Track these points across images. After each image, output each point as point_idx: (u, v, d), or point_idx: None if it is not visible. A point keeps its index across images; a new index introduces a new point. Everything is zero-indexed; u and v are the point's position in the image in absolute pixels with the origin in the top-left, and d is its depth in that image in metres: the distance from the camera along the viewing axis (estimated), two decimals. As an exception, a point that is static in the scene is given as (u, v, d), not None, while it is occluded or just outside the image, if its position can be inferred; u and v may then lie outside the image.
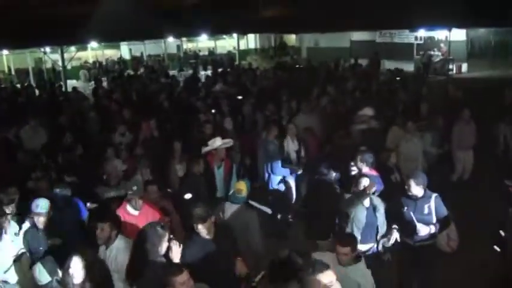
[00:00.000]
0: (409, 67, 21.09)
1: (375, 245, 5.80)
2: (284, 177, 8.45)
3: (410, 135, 8.61)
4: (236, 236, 5.28)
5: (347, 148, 8.17)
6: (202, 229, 4.91)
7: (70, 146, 8.90)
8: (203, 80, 19.03)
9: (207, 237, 4.93)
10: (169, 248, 4.61)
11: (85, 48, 29.49)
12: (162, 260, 4.58)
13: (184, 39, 31.62)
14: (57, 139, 9.59)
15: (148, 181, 6.79)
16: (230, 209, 5.81)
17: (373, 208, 5.76)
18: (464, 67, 23.78)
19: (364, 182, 5.81)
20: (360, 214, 5.67)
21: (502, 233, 5.96)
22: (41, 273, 4.94)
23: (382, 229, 5.77)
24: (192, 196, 6.76)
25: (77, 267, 4.36)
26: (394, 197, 6.05)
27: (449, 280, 6.35)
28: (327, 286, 3.46)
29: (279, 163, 8.27)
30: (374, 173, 6.72)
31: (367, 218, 5.69)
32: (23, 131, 10.03)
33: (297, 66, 22.93)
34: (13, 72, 28.15)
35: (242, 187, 5.89)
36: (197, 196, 6.72)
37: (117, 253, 4.90)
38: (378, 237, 5.77)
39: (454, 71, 23.14)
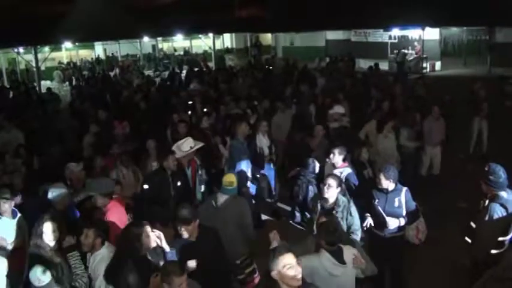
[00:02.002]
0: (383, 65, 21.35)
1: None
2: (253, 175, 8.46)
3: (387, 132, 8.77)
4: (224, 233, 5.26)
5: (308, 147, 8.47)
6: (185, 232, 4.87)
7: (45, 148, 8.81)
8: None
9: (190, 239, 4.91)
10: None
11: (59, 49, 29.12)
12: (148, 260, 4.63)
13: (159, 39, 31.48)
14: (32, 141, 9.49)
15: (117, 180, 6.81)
16: (222, 198, 5.80)
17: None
18: (438, 65, 24.14)
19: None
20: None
21: (472, 224, 6.10)
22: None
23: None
24: (150, 190, 6.80)
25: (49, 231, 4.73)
26: (367, 191, 6.15)
27: (420, 271, 6.54)
28: (287, 265, 3.57)
29: (244, 163, 8.28)
30: (346, 165, 6.92)
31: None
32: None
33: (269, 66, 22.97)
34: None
35: (232, 179, 5.89)
36: (158, 191, 6.78)
37: (100, 261, 4.71)
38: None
39: (428, 69, 23.51)
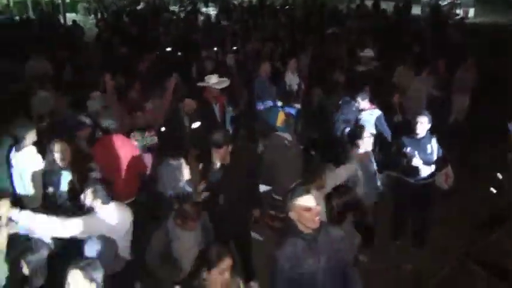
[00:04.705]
0: (416, 10, 20.65)
1: None
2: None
3: (420, 77, 8.56)
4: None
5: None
6: (217, 156, 5.02)
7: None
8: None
9: (221, 163, 5.06)
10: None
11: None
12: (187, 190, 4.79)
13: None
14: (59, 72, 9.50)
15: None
16: (285, 135, 5.98)
17: None
18: (471, 12, 23.33)
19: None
20: None
21: (499, 175, 6.05)
22: None
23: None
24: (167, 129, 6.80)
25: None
26: (396, 137, 6.08)
27: (446, 218, 6.52)
28: (305, 207, 3.54)
29: (268, 102, 8.19)
30: (374, 107, 6.84)
31: None
32: (28, 64, 9.92)
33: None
34: (12, 5, 27.53)
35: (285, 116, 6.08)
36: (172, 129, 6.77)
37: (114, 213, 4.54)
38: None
39: (461, 16, 22.72)
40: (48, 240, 4.15)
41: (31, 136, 5.54)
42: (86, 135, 6.04)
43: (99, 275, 3.27)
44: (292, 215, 3.61)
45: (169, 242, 4.27)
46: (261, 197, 5.72)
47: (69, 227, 4.18)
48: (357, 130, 5.71)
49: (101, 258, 3.71)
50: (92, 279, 3.21)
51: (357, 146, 5.52)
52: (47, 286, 3.73)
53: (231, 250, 4.19)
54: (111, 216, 4.37)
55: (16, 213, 4.04)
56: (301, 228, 3.59)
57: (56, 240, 4.27)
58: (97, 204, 4.35)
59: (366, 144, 5.52)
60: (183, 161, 4.91)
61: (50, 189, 5.19)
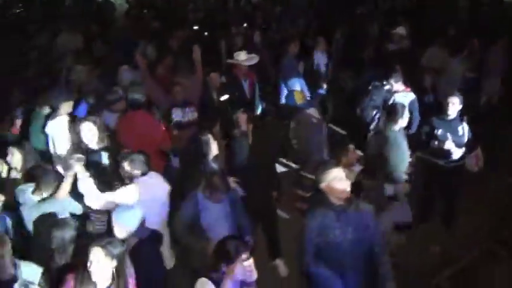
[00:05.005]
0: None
1: None
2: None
3: (456, 59, 8.38)
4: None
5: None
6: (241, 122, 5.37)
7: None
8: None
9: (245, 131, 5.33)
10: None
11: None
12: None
13: None
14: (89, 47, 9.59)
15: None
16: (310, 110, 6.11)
17: None
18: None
19: None
20: None
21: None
22: None
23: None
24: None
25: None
26: (427, 118, 6.01)
27: (475, 201, 6.46)
28: (336, 178, 3.67)
29: (295, 81, 8.14)
30: (409, 90, 6.74)
31: None
32: (60, 37, 10.03)
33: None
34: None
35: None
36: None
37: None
38: None
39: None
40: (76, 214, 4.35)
41: (66, 107, 5.77)
42: (121, 108, 6.09)
43: (120, 252, 3.35)
44: (323, 186, 3.75)
45: (198, 213, 4.42)
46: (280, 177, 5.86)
47: (113, 196, 4.46)
48: (398, 107, 5.67)
49: (126, 226, 3.85)
50: (112, 256, 3.29)
51: (395, 122, 5.51)
52: (70, 264, 3.83)
53: (251, 238, 4.43)
54: (151, 186, 4.51)
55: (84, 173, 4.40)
56: (331, 200, 3.74)
57: (81, 219, 4.40)
58: (136, 175, 4.49)
59: (404, 121, 5.56)
60: (210, 136, 5.06)
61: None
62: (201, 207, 4.43)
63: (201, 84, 7.04)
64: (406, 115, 5.63)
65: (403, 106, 5.74)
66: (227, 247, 3.28)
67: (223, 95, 6.94)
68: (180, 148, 5.77)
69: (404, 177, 5.51)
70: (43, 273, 3.68)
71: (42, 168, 4.58)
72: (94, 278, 3.27)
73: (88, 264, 3.25)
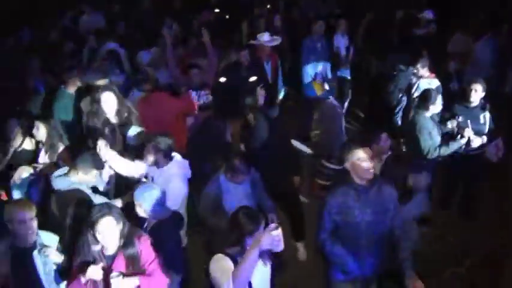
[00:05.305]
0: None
1: None
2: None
3: (480, 44, 8.19)
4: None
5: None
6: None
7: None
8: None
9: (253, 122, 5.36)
10: None
11: None
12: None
13: None
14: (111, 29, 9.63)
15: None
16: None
17: None
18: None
19: None
20: None
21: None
22: None
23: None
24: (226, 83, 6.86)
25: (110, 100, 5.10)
26: (450, 105, 5.94)
27: (494, 189, 6.40)
28: (361, 158, 3.74)
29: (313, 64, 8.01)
30: (434, 76, 6.66)
31: None
32: (82, 19, 10.11)
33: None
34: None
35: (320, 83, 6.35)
36: (231, 83, 6.84)
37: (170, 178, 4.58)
38: None
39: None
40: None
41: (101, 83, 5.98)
42: (149, 88, 6.15)
43: (121, 213, 3.47)
44: (348, 165, 3.83)
45: (221, 195, 4.54)
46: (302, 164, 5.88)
47: (139, 168, 4.66)
48: (431, 93, 5.63)
49: (146, 205, 3.90)
50: (122, 222, 3.41)
51: (426, 109, 5.49)
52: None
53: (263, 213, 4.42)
54: (174, 170, 4.57)
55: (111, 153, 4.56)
56: (355, 179, 3.80)
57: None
58: (160, 157, 4.55)
59: (437, 108, 5.56)
60: (227, 121, 5.27)
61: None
62: (223, 189, 4.55)
63: (216, 67, 7.03)
64: (439, 102, 5.59)
65: (436, 92, 5.68)
66: (238, 218, 3.31)
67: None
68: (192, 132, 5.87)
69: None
70: (60, 241, 3.84)
71: (84, 153, 4.46)
72: (107, 247, 3.39)
73: (99, 236, 3.33)
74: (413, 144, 5.54)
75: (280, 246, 3.10)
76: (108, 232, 3.33)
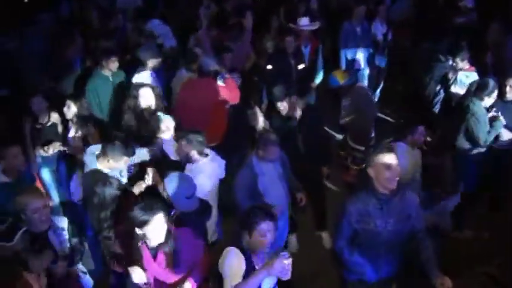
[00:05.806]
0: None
1: None
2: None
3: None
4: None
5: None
6: (280, 107, 5.28)
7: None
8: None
9: (285, 115, 5.32)
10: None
11: None
12: None
13: None
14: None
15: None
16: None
17: None
18: None
19: None
20: None
21: None
22: None
23: None
24: (275, 70, 6.84)
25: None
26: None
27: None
28: (386, 165, 3.49)
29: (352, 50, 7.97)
30: (473, 69, 6.53)
31: None
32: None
33: None
34: None
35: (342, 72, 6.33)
36: (280, 70, 6.81)
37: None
38: None
39: None
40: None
41: (152, 63, 6.19)
42: (196, 68, 6.23)
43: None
44: (371, 171, 3.59)
45: (255, 177, 4.56)
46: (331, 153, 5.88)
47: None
48: (490, 84, 5.51)
49: (177, 194, 3.95)
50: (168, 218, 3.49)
51: (481, 99, 5.43)
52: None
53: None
54: (207, 166, 4.54)
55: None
56: (377, 187, 3.57)
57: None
58: (193, 155, 4.53)
59: (490, 101, 5.47)
60: (257, 109, 5.37)
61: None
62: (257, 171, 4.57)
63: (249, 51, 6.99)
64: (495, 95, 5.48)
65: (495, 85, 5.53)
66: (248, 216, 3.30)
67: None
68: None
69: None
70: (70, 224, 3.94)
71: (115, 140, 4.43)
72: (155, 241, 3.46)
73: (152, 230, 3.39)
74: (466, 135, 5.52)
75: (288, 275, 3.12)
76: (160, 228, 3.41)
